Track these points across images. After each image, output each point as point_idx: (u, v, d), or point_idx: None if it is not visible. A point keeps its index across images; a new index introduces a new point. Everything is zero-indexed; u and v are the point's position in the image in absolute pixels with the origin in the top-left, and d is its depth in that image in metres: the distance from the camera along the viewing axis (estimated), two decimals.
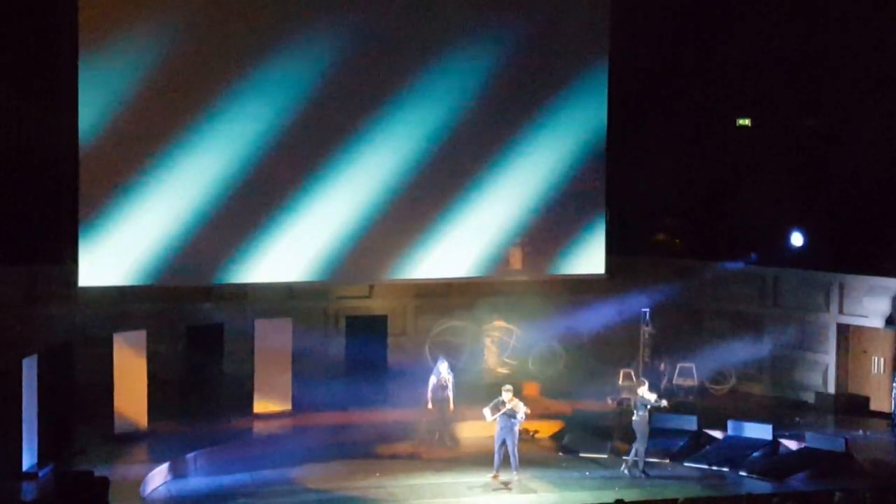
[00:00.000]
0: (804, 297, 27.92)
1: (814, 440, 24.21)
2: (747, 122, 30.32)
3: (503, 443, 22.57)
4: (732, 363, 27.98)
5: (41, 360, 21.95)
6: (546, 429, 25.39)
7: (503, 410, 22.49)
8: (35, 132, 25.46)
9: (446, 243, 27.13)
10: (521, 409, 22.57)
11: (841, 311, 27.38)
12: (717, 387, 28.09)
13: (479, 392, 25.11)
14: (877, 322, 26.62)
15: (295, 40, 25.90)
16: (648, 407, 23.08)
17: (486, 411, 22.67)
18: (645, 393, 23.22)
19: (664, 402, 23.46)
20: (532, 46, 27.48)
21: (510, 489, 22.30)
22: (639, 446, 23.14)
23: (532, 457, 23.32)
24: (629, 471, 23.12)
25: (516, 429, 22.56)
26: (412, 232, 26.88)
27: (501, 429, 22.56)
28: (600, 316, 28.25)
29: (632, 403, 23.64)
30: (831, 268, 27.40)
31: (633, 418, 23.28)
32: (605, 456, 24.47)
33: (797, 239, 28.02)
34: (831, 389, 27.44)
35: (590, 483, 22.85)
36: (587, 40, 27.93)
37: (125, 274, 25.12)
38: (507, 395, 22.64)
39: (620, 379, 27.02)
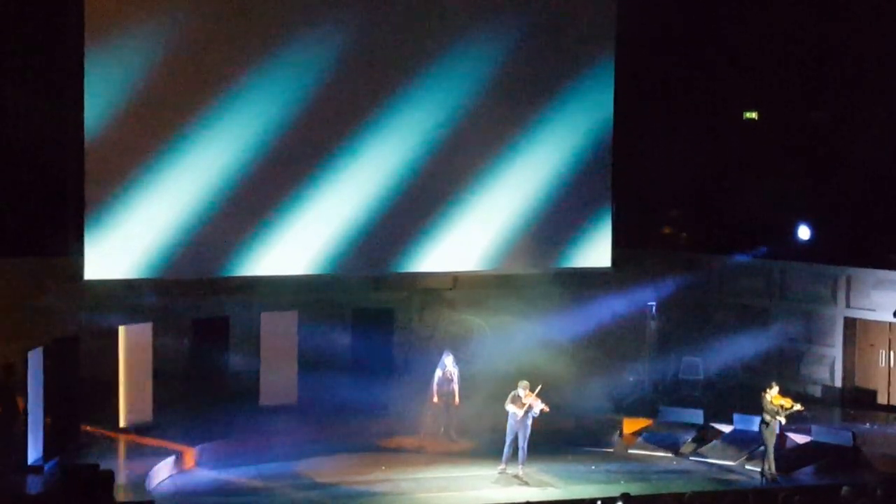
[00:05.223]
0: (811, 291, 27.88)
1: (820, 434, 24.17)
2: (754, 115, 30.27)
3: (515, 436, 22.53)
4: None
5: (47, 353, 21.96)
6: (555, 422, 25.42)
7: (525, 409, 22.43)
8: (41, 124, 25.40)
9: (453, 236, 27.11)
10: (539, 406, 22.48)
11: (848, 305, 27.33)
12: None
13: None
14: (884, 315, 26.57)
15: (302, 32, 25.87)
16: (779, 415, 22.57)
17: (512, 407, 22.58)
18: (772, 399, 22.67)
19: (798, 407, 22.88)
20: (539, 38, 27.45)
21: (517, 482, 22.27)
22: (766, 452, 22.71)
23: (539, 450, 23.24)
24: (763, 478, 22.65)
25: (529, 422, 22.52)
26: (419, 225, 26.86)
27: (515, 422, 22.52)
28: (606, 309, 28.22)
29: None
30: (838, 261, 27.36)
31: (761, 424, 22.85)
32: (611, 450, 24.48)
33: (804, 232, 27.97)
34: (838, 383, 27.40)
35: (596, 476, 22.84)
36: (594, 32, 27.89)
37: (131, 267, 25.11)
38: (522, 390, 22.56)
39: None
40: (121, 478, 20.19)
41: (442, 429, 24.83)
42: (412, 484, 22.21)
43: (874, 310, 26.86)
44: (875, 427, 25.52)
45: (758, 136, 29.75)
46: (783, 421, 22.83)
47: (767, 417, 22.63)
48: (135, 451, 22.64)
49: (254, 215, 25.77)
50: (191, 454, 23.04)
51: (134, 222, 24.98)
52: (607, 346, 28.48)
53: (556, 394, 23.67)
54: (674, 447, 24.47)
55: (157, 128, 25.10)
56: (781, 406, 22.70)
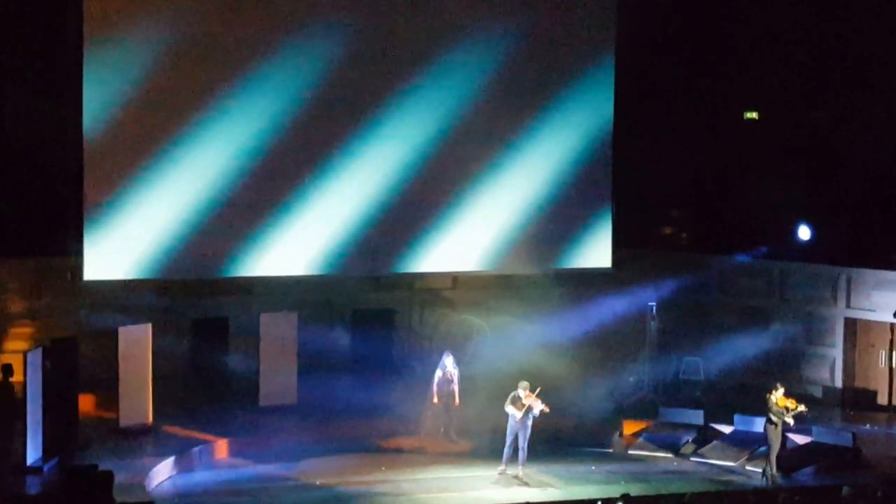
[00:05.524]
0: (811, 291, 27.84)
1: (821, 434, 24.14)
2: (755, 115, 30.25)
3: (515, 437, 22.50)
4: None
5: (46, 354, 21.92)
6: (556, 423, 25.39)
7: (525, 409, 22.40)
8: (40, 125, 25.41)
9: (453, 236, 27.08)
10: (539, 406, 22.44)
11: (848, 305, 27.31)
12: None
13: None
14: (884, 316, 26.53)
15: (301, 33, 25.84)
16: (784, 416, 22.40)
17: (512, 408, 22.54)
18: (778, 400, 22.47)
19: (802, 408, 22.70)
20: (538, 39, 27.41)
21: (517, 483, 22.24)
22: (769, 453, 22.62)
23: (539, 451, 23.22)
24: (764, 477, 22.54)
25: (529, 423, 22.48)
26: (419, 225, 26.83)
27: (515, 423, 22.48)
28: (606, 309, 28.18)
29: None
30: (839, 261, 27.33)
31: (766, 425, 22.70)
32: (611, 450, 24.45)
33: (805, 232, 27.94)
34: (838, 384, 27.37)
35: (596, 477, 22.82)
36: (594, 32, 27.87)
37: (130, 267, 25.07)
38: (522, 391, 22.52)
39: None
40: (120, 479, 20.12)
41: (442, 429, 24.79)
42: (412, 484, 22.19)
43: (874, 310, 26.83)
44: (875, 428, 25.50)
45: (758, 136, 29.72)
46: (790, 422, 22.77)
47: (774, 418, 22.58)
48: (134, 452, 22.60)
49: (254, 215, 25.74)
50: (190, 455, 23.01)
51: (133, 222, 24.95)
52: (607, 346, 28.43)
53: (557, 394, 23.64)
54: (674, 448, 24.44)
55: (156, 128, 25.07)
56: (787, 407, 22.64)
